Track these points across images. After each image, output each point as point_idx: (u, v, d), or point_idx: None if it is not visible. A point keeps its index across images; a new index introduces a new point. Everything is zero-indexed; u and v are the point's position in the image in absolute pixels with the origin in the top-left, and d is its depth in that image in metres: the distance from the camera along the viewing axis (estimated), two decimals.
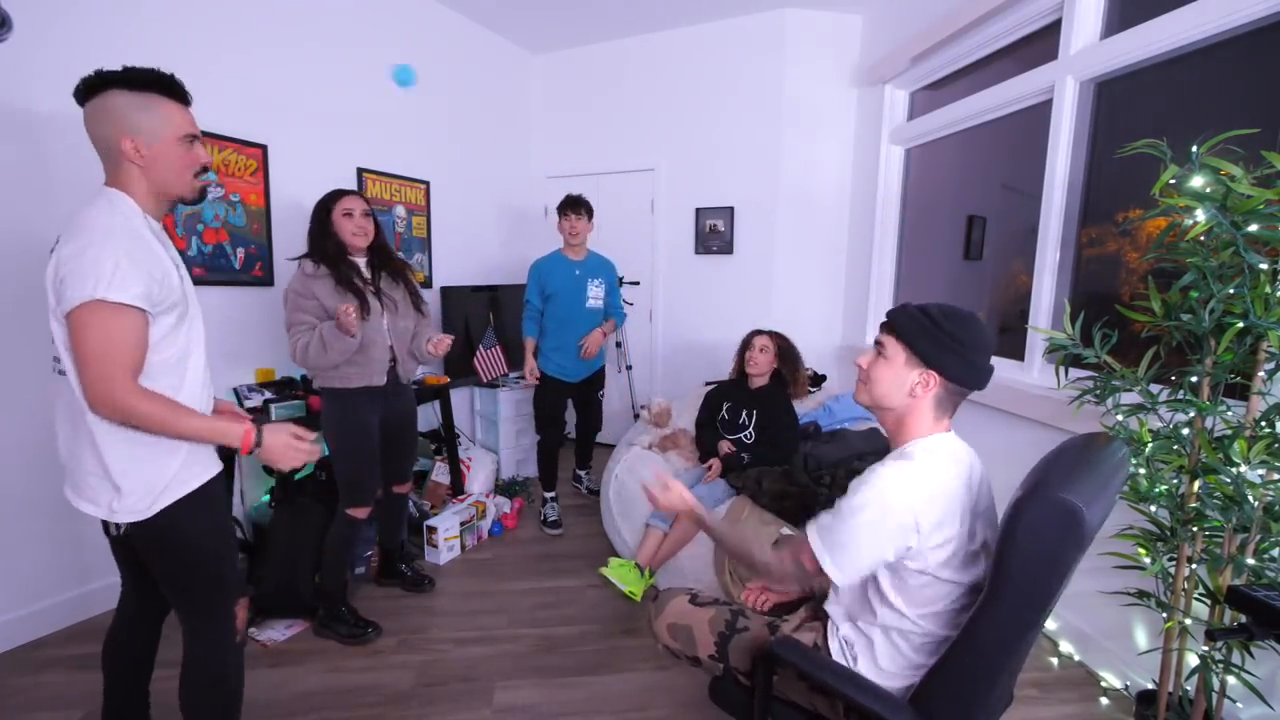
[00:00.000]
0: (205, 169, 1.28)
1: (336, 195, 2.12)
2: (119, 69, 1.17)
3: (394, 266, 2.22)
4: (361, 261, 2.15)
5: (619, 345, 3.96)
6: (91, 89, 1.16)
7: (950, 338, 1.09)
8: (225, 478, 2.51)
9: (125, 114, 1.16)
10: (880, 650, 1.17)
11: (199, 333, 1.31)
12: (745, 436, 2.67)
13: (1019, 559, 0.94)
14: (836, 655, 1.22)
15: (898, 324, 1.14)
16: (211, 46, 2.45)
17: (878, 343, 1.18)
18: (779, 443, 2.59)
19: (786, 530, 2.29)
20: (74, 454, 1.22)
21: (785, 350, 2.74)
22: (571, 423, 3.35)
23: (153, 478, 1.22)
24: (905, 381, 1.13)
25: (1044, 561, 0.93)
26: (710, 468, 2.62)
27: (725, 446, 2.65)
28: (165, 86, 1.21)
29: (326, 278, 2.03)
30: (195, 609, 1.35)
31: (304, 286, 2.03)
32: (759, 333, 2.75)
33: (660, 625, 1.39)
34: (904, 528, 1.05)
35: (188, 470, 1.26)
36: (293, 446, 1.28)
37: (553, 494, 3.20)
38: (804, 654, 1.15)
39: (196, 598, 1.34)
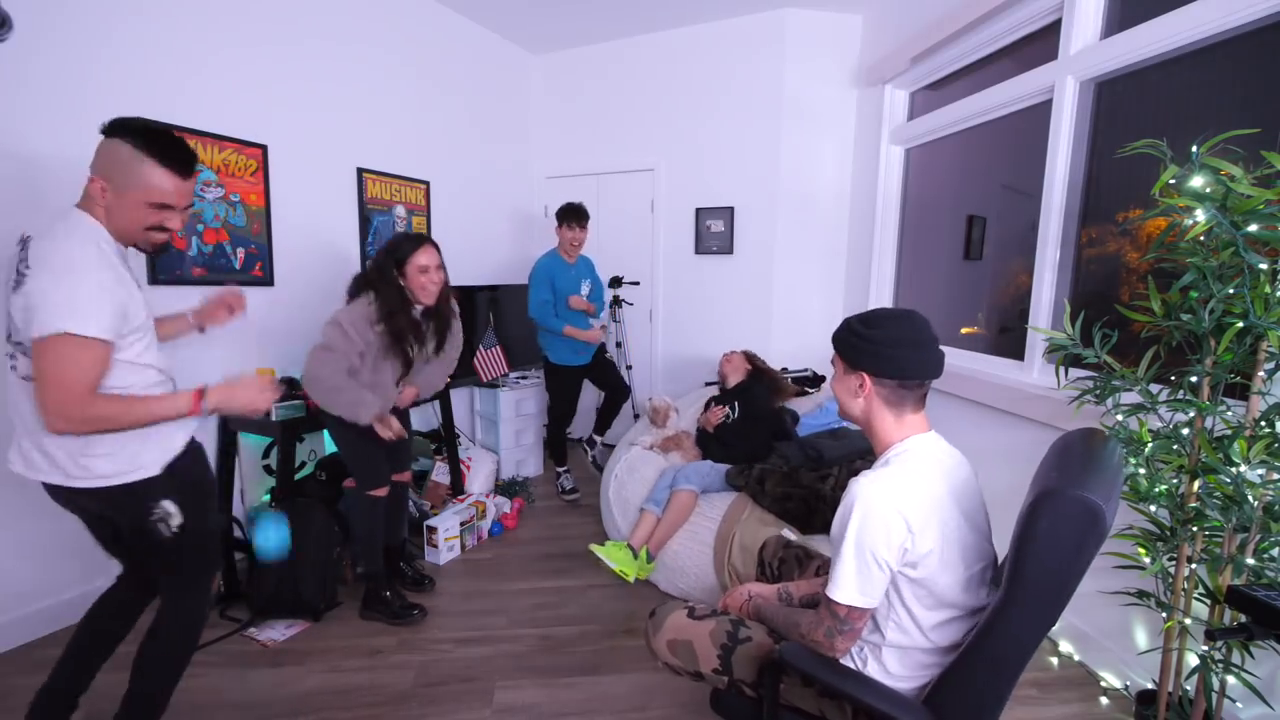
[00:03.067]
0: (163, 228, 1.33)
1: (411, 246, 2.02)
2: (139, 122, 1.27)
3: (444, 324, 2.19)
4: (417, 309, 2.10)
5: (619, 345, 3.96)
6: (110, 131, 1.27)
7: (864, 340, 1.17)
8: (225, 475, 2.55)
9: (113, 161, 1.26)
10: (890, 655, 1.17)
11: (155, 345, 1.41)
12: (728, 418, 2.96)
13: (1038, 559, 0.94)
14: (845, 659, 1.21)
15: (833, 342, 1.25)
16: (211, 46, 2.45)
17: (832, 363, 1.27)
18: (759, 415, 2.91)
19: (787, 532, 2.29)
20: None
21: (752, 355, 3.21)
22: (591, 405, 3.72)
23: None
24: (849, 389, 1.21)
25: (1064, 561, 0.93)
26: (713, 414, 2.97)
27: (716, 415, 2.96)
28: (162, 150, 1.28)
29: (383, 334, 2.00)
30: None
31: (362, 330, 1.96)
32: (727, 355, 3.22)
33: (659, 643, 1.36)
34: (895, 528, 1.05)
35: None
36: (251, 386, 1.36)
37: (565, 468, 3.53)
38: (813, 660, 1.14)
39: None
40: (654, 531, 2.45)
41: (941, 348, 1.19)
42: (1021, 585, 0.96)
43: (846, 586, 1.08)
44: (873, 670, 1.18)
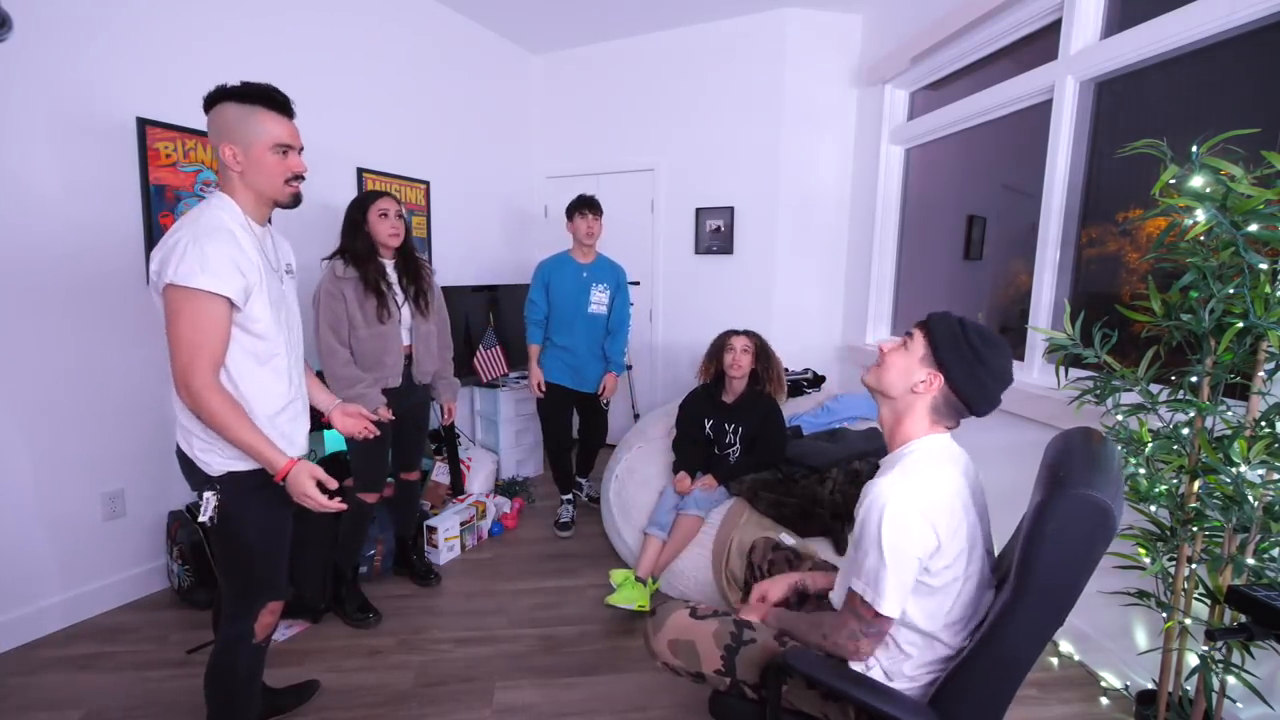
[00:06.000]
0: (298, 177, 1.36)
1: (372, 196, 2.22)
2: (236, 84, 1.28)
3: (417, 268, 2.32)
4: (389, 264, 2.25)
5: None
6: (210, 102, 1.29)
7: (972, 350, 1.12)
8: None
9: (230, 125, 1.28)
10: (895, 657, 1.17)
11: (292, 338, 1.44)
12: (732, 453, 2.57)
13: (1047, 559, 0.94)
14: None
15: (931, 323, 1.17)
16: (209, 45, 2.45)
17: (907, 334, 1.21)
18: (765, 457, 2.52)
19: (785, 536, 2.28)
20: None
21: (763, 349, 2.60)
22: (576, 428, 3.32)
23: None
24: (912, 375, 1.15)
25: (1073, 560, 0.94)
26: (706, 483, 2.53)
27: (710, 481, 2.52)
28: (265, 98, 1.30)
29: (355, 279, 2.14)
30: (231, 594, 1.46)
31: (335, 287, 2.13)
32: (737, 333, 2.59)
33: (660, 643, 1.33)
34: (925, 538, 1.05)
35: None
36: (306, 496, 1.33)
37: (568, 496, 3.18)
38: (821, 663, 1.13)
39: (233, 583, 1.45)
40: (660, 556, 2.40)
41: None
42: (1030, 586, 0.96)
43: (894, 599, 1.07)
44: (878, 673, 1.18)
